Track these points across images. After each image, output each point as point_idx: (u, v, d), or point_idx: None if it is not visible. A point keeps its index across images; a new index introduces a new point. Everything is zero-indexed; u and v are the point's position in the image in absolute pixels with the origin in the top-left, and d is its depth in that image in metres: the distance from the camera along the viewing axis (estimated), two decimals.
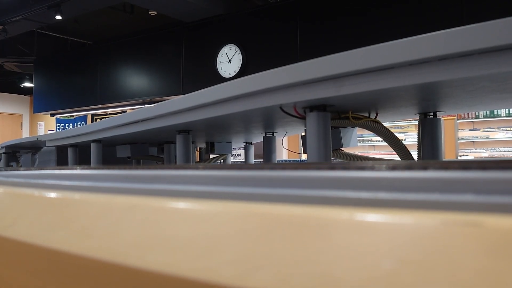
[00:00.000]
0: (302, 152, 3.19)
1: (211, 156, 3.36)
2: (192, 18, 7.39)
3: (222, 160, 3.25)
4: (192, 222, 0.57)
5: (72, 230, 0.69)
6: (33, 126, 13.32)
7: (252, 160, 3.16)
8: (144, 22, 8.39)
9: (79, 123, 11.62)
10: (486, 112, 7.10)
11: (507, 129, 7.10)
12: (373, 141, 7.90)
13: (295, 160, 6.12)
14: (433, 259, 0.38)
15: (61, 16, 7.13)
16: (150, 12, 7.82)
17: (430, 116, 1.69)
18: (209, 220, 0.56)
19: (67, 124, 11.90)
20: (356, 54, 1.00)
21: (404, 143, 1.64)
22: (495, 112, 7.05)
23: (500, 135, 7.14)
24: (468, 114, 7.29)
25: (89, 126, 2.87)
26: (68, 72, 9.81)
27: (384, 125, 1.58)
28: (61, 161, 4.41)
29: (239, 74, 6.84)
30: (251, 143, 3.14)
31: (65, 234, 0.69)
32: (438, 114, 1.69)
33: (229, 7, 7.17)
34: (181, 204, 0.62)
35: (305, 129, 1.42)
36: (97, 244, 0.63)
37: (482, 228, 0.39)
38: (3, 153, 5.11)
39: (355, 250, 0.43)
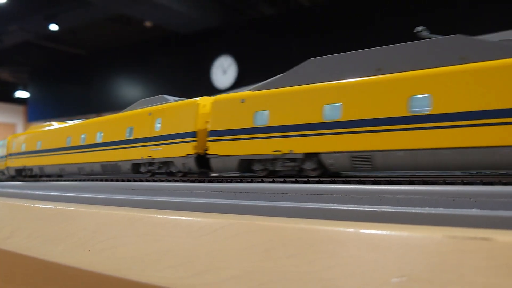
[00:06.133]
0: None
1: None
2: (187, 29, 7.42)
3: None
4: (194, 236, 0.57)
5: (71, 243, 0.68)
6: None
7: None
8: (139, 33, 8.42)
9: None
10: None
11: None
12: None
13: None
14: (440, 275, 0.38)
15: (57, 26, 7.15)
16: (145, 24, 7.85)
17: None
18: (212, 234, 0.55)
19: None
20: None
21: None
22: None
23: None
24: None
25: None
26: (63, 82, 9.80)
27: None
28: None
29: (234, 85, 6.86)
30: None
31: (64, 247, 0.69)
32: None
33: (224, 19, 7.22)
34: (183, 218, 0.61)
35: None
36: (97, 258, 0.62)
37: (491, 243, 0.39)
38: None
39: (360, 266, 0.43)
